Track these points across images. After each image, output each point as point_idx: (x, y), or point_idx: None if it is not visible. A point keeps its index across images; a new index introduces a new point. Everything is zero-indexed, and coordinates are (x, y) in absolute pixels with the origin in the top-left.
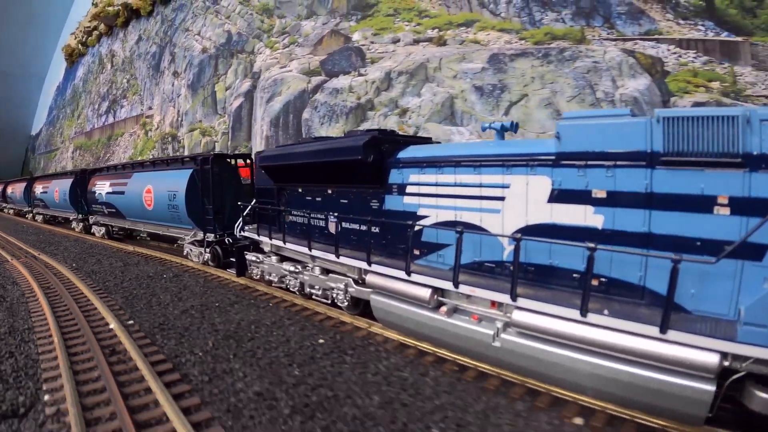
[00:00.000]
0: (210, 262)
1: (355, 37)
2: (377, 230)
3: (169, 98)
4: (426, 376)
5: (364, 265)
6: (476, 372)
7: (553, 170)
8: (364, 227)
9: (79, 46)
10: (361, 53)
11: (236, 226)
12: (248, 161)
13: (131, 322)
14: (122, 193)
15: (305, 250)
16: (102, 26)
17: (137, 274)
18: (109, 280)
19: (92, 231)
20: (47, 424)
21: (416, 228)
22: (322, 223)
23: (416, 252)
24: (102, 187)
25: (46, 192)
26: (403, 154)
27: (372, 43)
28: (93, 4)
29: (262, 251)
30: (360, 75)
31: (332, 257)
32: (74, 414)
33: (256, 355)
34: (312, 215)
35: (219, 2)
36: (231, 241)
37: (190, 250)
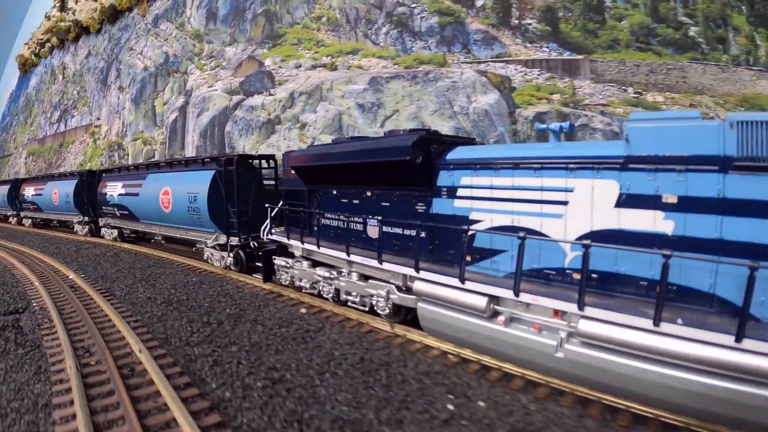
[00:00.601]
0: (232, 267)
1: (267, 62)
2: (423, 235)
3: (115, 110)
4: (241, 292)
5: (410, 271)
6: (274, 293)
7: (621, 174)
8: (408, 231)
9: (32, 56)
10: (272, 76)
11: (263, 229)
12: (271, 162)
13: (83, 275)
14: (136, 194)
15: (342, 255)
16: (54, 39)
17: (87, 253)
18: (67, 257)
19: (102, 234)
20: (37, 313)
21: (468, 233)
22: (360, 227)
23: (467, 258)
24: (113, 189)
25: (40, 194)
26: (453, 155)
27: (280, 67)
28: (46, 17)
29: (290, 255)
30: (270, 95)
31: (374, 263)
32: (53, 308)
33: (155, 285)
34: (349, 218)
35: (158, 26)
36: (256, 245)
37: (211, 254)
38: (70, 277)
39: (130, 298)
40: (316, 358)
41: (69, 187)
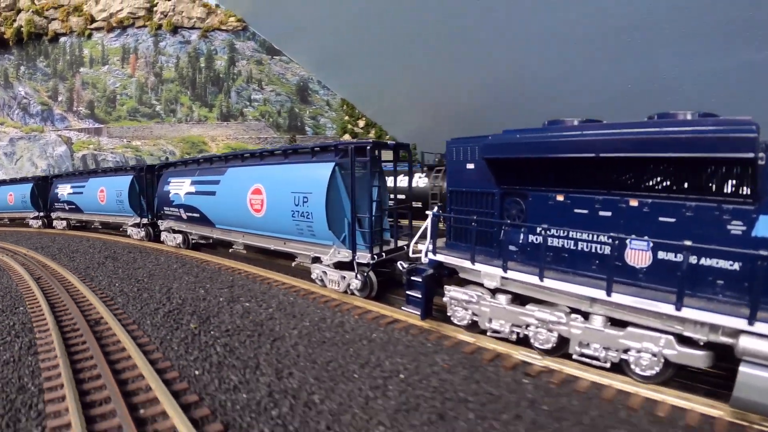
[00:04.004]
0: (356, 292)
1: None
2: (733, 267)
3: None
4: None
5: (737, 323)
6: (199, 260)
7: None
8: (711, 261)
9: None
10: None
11: (413, 243)
12: (402, 153)
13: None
14: (211, 194)
15: (596, 292)
16: None
17: (55, 242)
18: (37, 246)
19: (162, 239)
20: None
21: None
22: (612, 250)
23: None
24: (179, 186)
25: (79, 193)
26: None
27: None
28: None
29: (460, 282)
30: None
31: (665, 308)
32: (35, 287)
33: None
34: (592, 237)
35: None
36: (404, 267)
37: (324, 273)
38: (41, 259)
39: (98, 272)
40: None
41: (122, 184)
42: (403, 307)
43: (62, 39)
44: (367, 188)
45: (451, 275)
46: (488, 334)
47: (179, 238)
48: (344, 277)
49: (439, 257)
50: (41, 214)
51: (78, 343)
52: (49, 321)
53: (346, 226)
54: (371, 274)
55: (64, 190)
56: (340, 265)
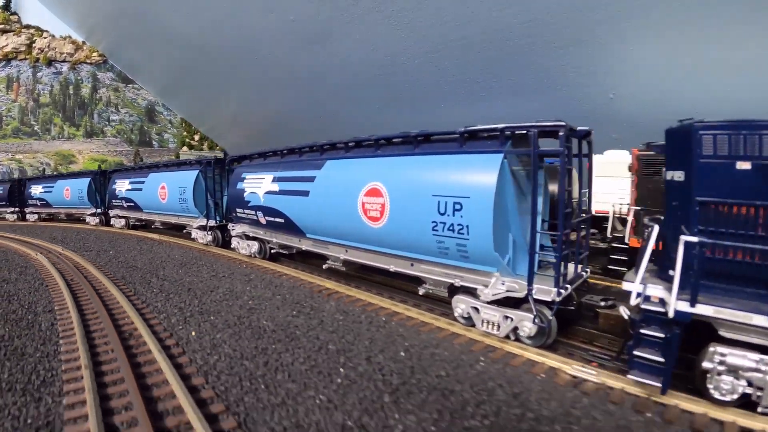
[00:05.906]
0: (526, 340)
1: None
2: None
3: None
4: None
5: None
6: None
7: None
8: None
9: None
10: None
11: (639, 283)
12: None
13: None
14: (303, 194)
15: None
16: None
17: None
18: (41, 236)
19: (232, 245)
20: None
21: None
22: None
23: None
24: (256, 184)
25: (138, 189)
26: None
27: None
28: None
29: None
30: None
31: None
32: (47, 263)
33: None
34: None
35: None
36: (629, 313)
37: (475, 311)
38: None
39: (95, 251)
40: None
41: (186, 180)
42: (629, 375)
43: None
44: (559, 192)
45: (695, 330)
46: (759, 410)
47: (254, 246)
48: (508, 318)
49: (702, 309)
50: (99, 210)
51: None
52: None
53: (510, 245)
54: (553, 318)
55: (122, 186)
56: (509, 303)
